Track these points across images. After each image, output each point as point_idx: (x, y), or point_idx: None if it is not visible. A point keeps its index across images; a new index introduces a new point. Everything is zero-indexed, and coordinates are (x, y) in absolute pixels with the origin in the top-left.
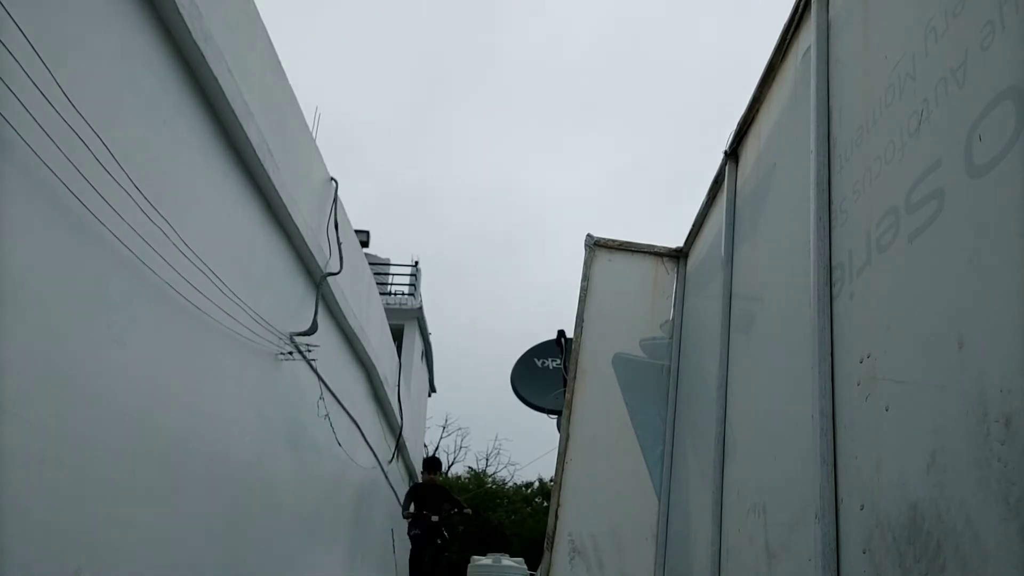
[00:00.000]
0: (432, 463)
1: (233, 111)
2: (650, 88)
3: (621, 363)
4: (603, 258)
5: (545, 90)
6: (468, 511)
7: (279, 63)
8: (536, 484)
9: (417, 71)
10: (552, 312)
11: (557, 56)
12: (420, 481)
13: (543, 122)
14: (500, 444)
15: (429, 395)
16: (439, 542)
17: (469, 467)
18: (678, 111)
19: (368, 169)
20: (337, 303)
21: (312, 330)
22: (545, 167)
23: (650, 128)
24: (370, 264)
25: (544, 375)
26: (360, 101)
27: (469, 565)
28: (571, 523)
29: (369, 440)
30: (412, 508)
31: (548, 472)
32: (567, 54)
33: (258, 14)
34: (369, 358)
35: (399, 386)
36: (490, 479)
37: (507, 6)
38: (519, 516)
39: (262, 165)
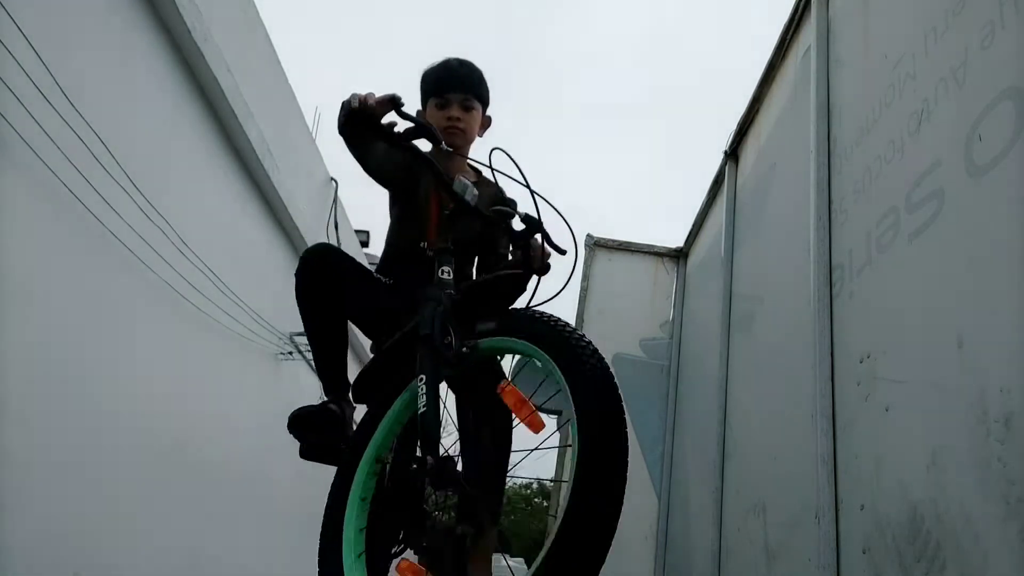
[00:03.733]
0: (453, 77)
1: (233, 111)
2: (663, 92)
3: (621, 363)
4: (603, 258)
5: (555, 95)
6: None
7: (279, 63)
8: (536, 484)
9: None
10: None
11: (567, 60)
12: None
13: (557, 127)
14: None
15: None
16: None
17: None
18: (689, 116)
19: None
20: None
21: None
22: (553, 171)
23: (661, 131)
24: (370, 264)
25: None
26: None
27: None
28: None
29: None
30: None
31: (548, 472)
32: (579, 59)
33: (258, 14)
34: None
35: None
36: None
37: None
38: (519, 516)
39: (262, 165)
